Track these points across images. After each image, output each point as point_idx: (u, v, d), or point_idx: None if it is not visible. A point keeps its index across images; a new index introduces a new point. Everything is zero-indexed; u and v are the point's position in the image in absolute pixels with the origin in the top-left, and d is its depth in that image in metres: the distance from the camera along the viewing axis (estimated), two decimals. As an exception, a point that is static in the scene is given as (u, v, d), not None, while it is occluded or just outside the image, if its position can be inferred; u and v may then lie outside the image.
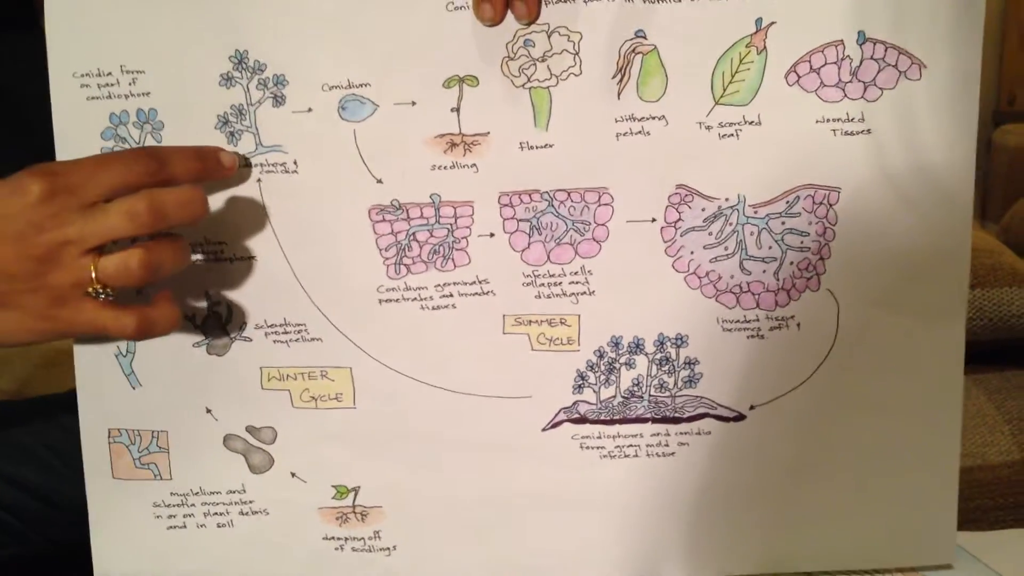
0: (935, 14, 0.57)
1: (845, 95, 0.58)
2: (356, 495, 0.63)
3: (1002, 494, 0.81)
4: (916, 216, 0.59)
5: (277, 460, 0.63)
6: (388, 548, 0.64)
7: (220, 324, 0.61)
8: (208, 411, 0.62)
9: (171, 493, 0.63)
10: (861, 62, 0.57)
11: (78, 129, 0.59)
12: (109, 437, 0.63)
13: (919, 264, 0.60)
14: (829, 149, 0.58)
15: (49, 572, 0.77)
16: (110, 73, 0.58)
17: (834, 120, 0.58)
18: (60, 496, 0.75)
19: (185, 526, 0.63)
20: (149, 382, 0.62)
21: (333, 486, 0.63)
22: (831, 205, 0.59)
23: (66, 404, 0.77)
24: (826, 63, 0.57)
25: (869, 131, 0.58)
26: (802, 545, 0.63)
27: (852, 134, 0.58)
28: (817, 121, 0.58)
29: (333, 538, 0.64)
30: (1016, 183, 1.73)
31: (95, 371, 0.62)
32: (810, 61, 0.57)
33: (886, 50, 0.57)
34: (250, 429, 0.62)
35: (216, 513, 0.63)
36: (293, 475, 0.63)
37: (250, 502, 0.63)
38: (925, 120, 0.58)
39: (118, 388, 0.62)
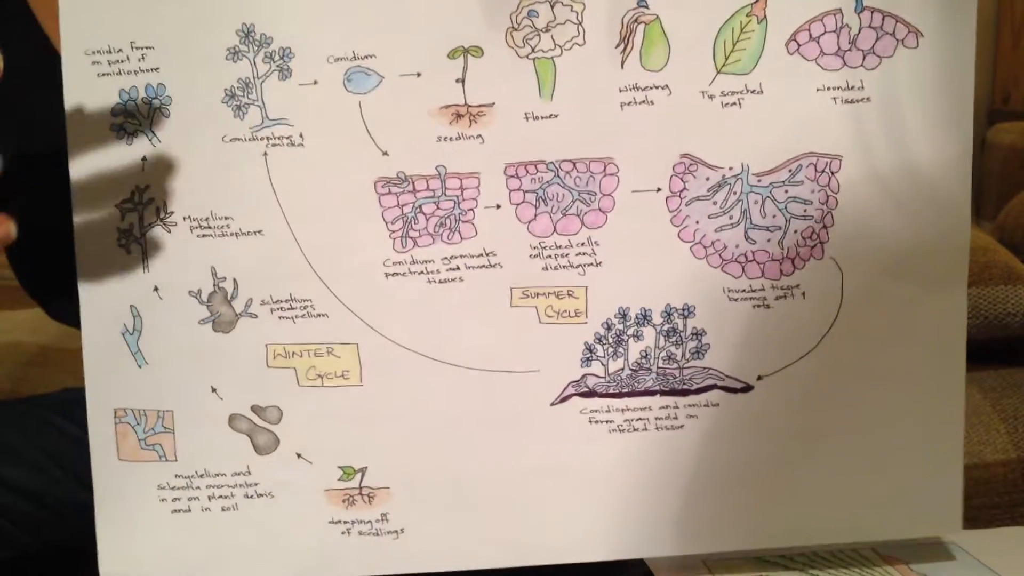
0: None
1: (845, 63, 0.57)
2: (363, 476, 0.60)
3: (998, 492, 0.79)
4: (916, 183, 0.58)
5: (282, 440, 0.60)
6: (396, 531, 0.60)
7: (226, 299, 0.58)
8: (213, 390, 0.59)
9: (176, 475, 0.60)
10: (860, 30, 0.56)
11: (90, 106, 0.57)
12: (115, 417, 0.60)
13: (920, 231, 0.58)
14: (830, 117, 0.57)
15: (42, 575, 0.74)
16: (120, 50, 0.57)
17: (834, 88, 0.57)
18: (53, 499, 0.72)
19: (190, 510, 0.60)
20: (155, 360, 0.59)
21: (339, 467, 0.60)
22: (833, 173, 0.58)
23: (59, 405, 0.75)
24: (825, 31, 0.56)
25: (869, 99, 0.57)
26: (810, 517, 0.61)
27: (852, 102, 0.57)
28: (818, 89, 0.57)
29: (340, 521, 0.60)
30: (1010, 181, 1.70)
31: (102, 350, 0.59)
32: (809, 30, 0.56)
33: (883, 18, 0.56)
34: (255, 408, 0.59)
35: (221, 496, 0.60)
36: (299, 456, 0.60)
37: (255, 484, 0.60)
38: (924, 87, 0.57)
39: (124, 367, 0.59)
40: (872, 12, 0.56)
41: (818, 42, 0.56)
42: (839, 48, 0.56)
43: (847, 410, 0.60)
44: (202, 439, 0.60)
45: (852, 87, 0.57)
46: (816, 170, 0.58)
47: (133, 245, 0.58)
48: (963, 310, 0.60)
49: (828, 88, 0.57)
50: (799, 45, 0.56)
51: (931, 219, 0.58)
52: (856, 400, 0.60)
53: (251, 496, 0.60)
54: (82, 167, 0.58)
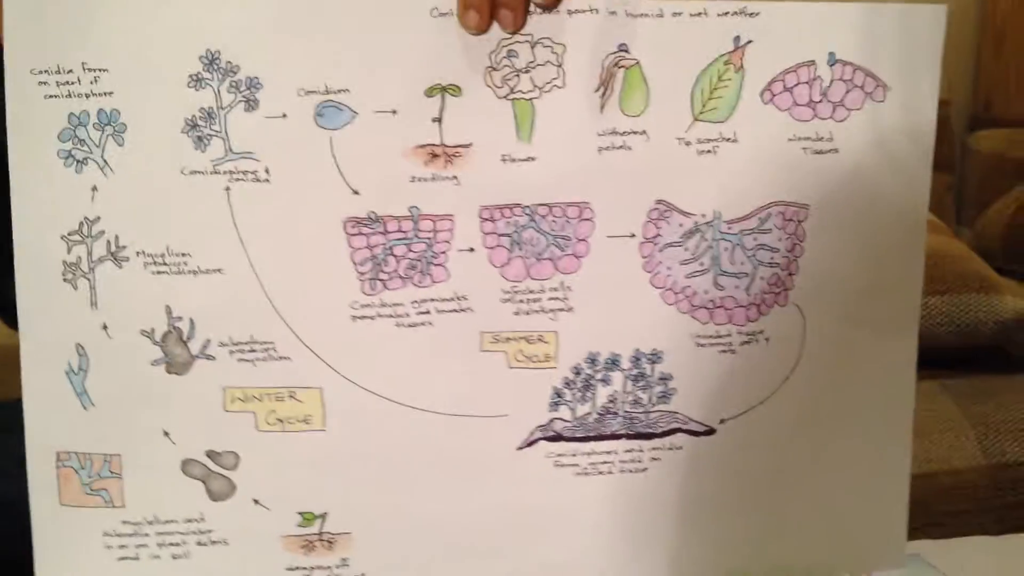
0: (898, 38, 0.56)
1: (815, 115, 0.56)
2: (324, 522, 0.56)
3: (967, 499, 0.80)
4: (875, 234, 0.58)
5: (239, 487, 0.56)
6: (356, 576, 0.57)
7: (181, 340, 0.54)
8: (166, 434, 0.55)
9: (123, 522, 0.55)
10: (831, 83, 0.55)
11: (34, 129, 0.52)
12: (57, 460, 0.54)
13: (877, 280, 0.58)
14: (800, 167, 0.56)
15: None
16: (71, 71, 0.51)
17: (805, 139, 0.56)
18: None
19: (138, 557, 0.56)
20: (102, 402, 0.54)
21: (299, 513, 0.56)
22: (800, 222, 0.57)
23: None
24: (799, 83, 0.55)
25: (837, 150, 0.56)
26: (765, 557, 0.60)
27: (821, 152, 0.56)
28: (789, 139, 0.56)
29: (297, 568, 0.57)
30: (990, 188, 1.72)
31: (44, 390, 0.53)
32: (784, 80, 0.55)
33: (854, 71, 0.55)
34: (210, 454, 0.55)
35: (172, 544, 0.56)
36: (256, 502, 0.56)
37: (209, 531, 0.56)
38: (887, 141, 0.57)
39: (68, 408, 0.54)
40: (844, 65, 0.55)
41: (791, 93, 0.55)
42: (811, 100, 0.55)
43: (803, 454, 0.59)
44: (152, 485, 0.55)
45: (821, 138, 0.56)
46: (784, 219, 0.56)
47: (80, 280, 0.53)
48: (913, 356, 0.60)
49: (799, 138, 0.56)
50: (773, 95, 0.55)
51: (887, 267, 0.58)
52: (812, 444, 0.59)
53: (204, 543, 0.56)
54: (24, 195, 0.52)
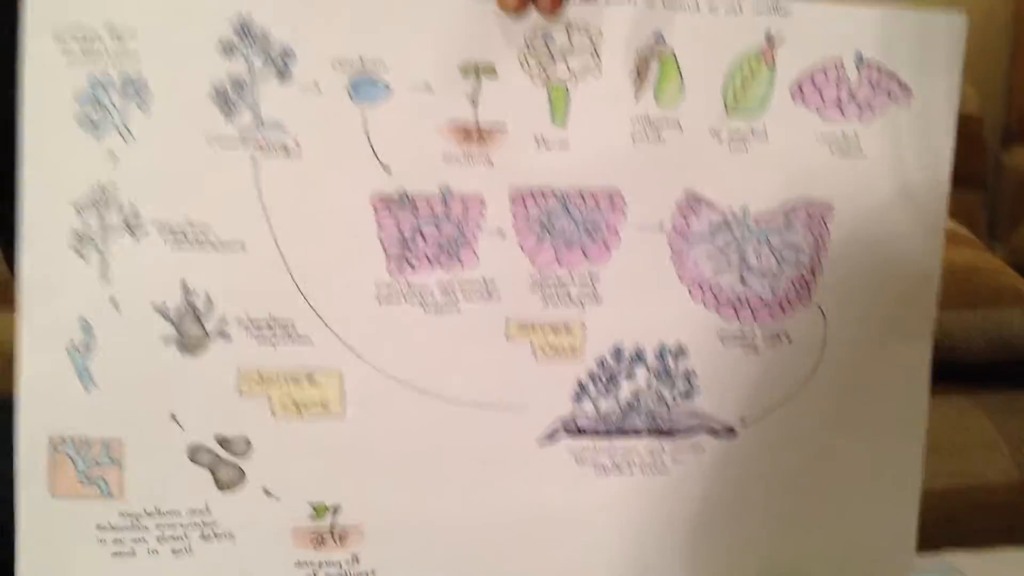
0: (921, 44, 0.56)
1: (842, 115, 0.56)
2: (335, 514, 0.53)
3: (1000, 515, 0.79)
4: (895, 237, 0.58)
5: (249, 475, 0.52)
6: (366, 573, 0.54)
7: (196, 317, 0.51)
8: (173, 417, 0.51)
9: (120, 514, 0.51)
10: (858, 84, 0.56)
11: (51, 90, 0.49)
12: (51, 446, 0.50)
13: (895, 284, 0.58)
14: (826, 166, 0.56)
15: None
16: (94, 31, 0.49)
17: (832, 139, 0.56)
18: None
19: (134, 553, 0.51)
20: (106, 383, 0.50)
21: (311, 504, 0.53)
22: (825, 222, 0.57)
23: None
24: (827, 82, 0.55)
25: (862, 151, 0.56)
26: (783, 564, 0.59)
27: (847, 153, 0.56)
28: (816, 139, 0.56)
29: (307, 563, 0.53)
30: (1023, 204, 1.70)
31: (42, 369, 0.50)
32: (813, 79, 0.55)
33: (880, 74, 0.56)
34: (220, 439, 0.52)
35: (172, 537, 0.52)
36: (266, 492, 0.52)
37: (213, 524, 0.52)
38: (908, 146, 0.57)
39: (67, 389, 0.50)
40: (871, 68, 0.56)
41: (820, 92, 0.55)
42: (839, 99, 0.56)
43: (821, 457, 0.59)
44: (155, 473, 0.51)
45: (847, 138, 0.56)
46: (809, 217, 0.56)
47: (90, 251, 0.50)
48: (927, 361, 0.60)
49: (826, 138, 0.56)
50: (803, 94, 0.55)
51: (905, 271, 0.58)
52: (829, 448, 0.59)
53: (207, 537, 0.52)
54: (35, 158, 0.49)
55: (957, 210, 1.52)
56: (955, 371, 0.88)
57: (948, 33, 0.56)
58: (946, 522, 0.66)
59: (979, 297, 0.67)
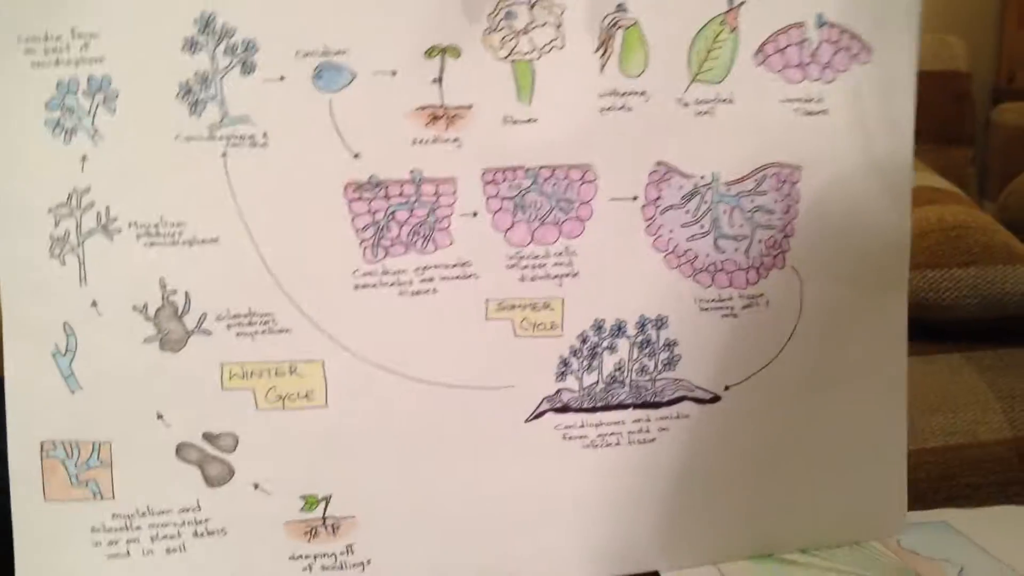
0: (879, 1, 0.57)
1: (806, 76, 0.56)
2: (327, 505, 0.53)
3: (992, 471, 0.79)
4: (864, 196, 0.58)
5: (238, 470, 0.52)
6: (362, 563, 0.54)
7: (176, 315, 0.51)
8: (159, 416, 0.51)
9: (113, 515, 0.51)
10: (819, 44, 0.56)
11: (19, 99, 0.49)
12: (42, 451, 0.51)
13: (866, 240, 0.58)
14: (792, 128, 0.56)
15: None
16: (59, 37, 0.49)
17: (796, 100, 0.56)
18: None
19: (129, 554, 0.52)
20: (91, 385, 0.50)
21: (301, 496, 0.53)
22: (794, 183, 0.57)
23: None
24: (790, 44, 0.55)
25: (826, 111, 0.57)
26: (774, 526, 0.59)
27: (812, 114, 0.56)
28: (782, 101, 0.56)
29: (301, 556, 0.53)
30: (1014, 161, 1.66)
31: (28, 375, 0.50)
32: (776, 41, 0.55)
33: (840, 33, 0.56)
34: (207, 436, 0.52)
35: (166, 536, 0.52)
36: (256, 486, 0.53)
37: (205, 521, 0.52)
38: (872, 102, 0.57)
39: (54, 393, 0.50)
40: (831, 27, 0.56)
41: (783, 54, 0.56)
42: (801, 61, 0.56)
43: (808, 419, 0.59)
44: (145, 473, 0.52)
45: (812, 99, 0.56)
46: (779, 180, 0.56)
47: (68, 255, 0.50)
48: (903, 316, 0.60)
49: (791, 100, 0.56)
50: (766, 56, 0.55)
51: (876, 229, 0.58)
52: (813, 408, 0.59)
53: (201, 534, 0.52)
54: (8, 167, 0.49)
55: (947, 167, 1.50)
56: (946, 329, 0.87)
57: None
58: (940, 479, 0.65)
59: (971, 255, 0.66)
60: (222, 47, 0.50)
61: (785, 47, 0.55)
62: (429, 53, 0.51)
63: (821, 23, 0.56)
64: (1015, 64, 1.90)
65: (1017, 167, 1.58)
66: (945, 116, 1.64)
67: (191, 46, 0.50)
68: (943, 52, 1.67)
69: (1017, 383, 0.85)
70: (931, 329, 0.92)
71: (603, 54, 0.53)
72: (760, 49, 0.55)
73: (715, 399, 0.57)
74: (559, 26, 0.53)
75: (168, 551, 0.52)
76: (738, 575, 0.58)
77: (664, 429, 0.57)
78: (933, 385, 0.80)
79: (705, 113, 0.55)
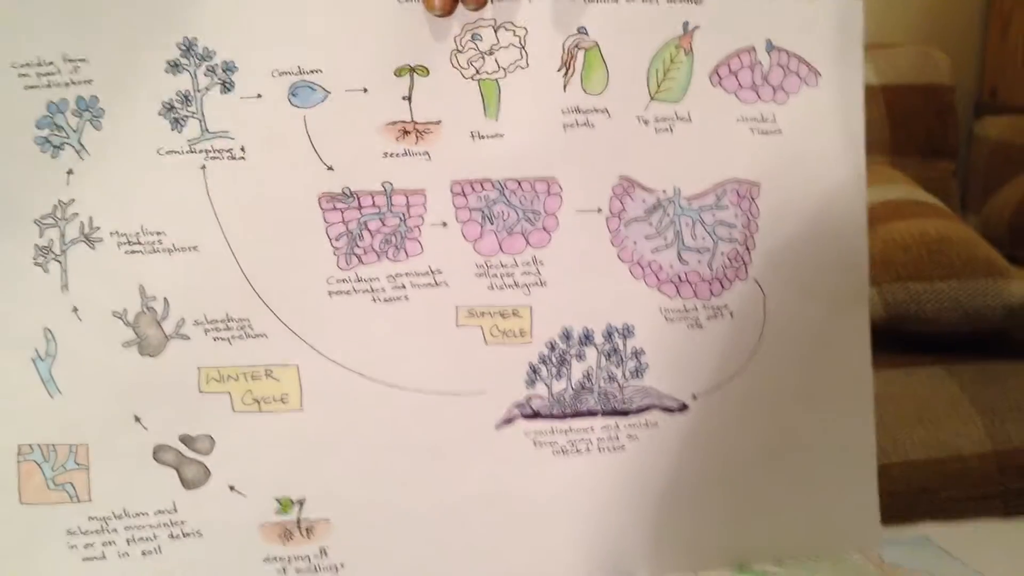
0: (825, 27, 0.60)
1: (759, 97, 0.59)
2: (301, 508, 0.54)
3: (974, 485, 0.79)
4: (820, 210, 0.60)
5: (214, 472, 0.53)
6: (335, 567, 0.54)
7: (154, 321, 0.52)
8: (137, 419, 0.52)
9: (89, 518, 0.52)
10: (770, 68, 0.59)
11: (11, 118, 0.51)
12: (19, 455, 0.52)
13: (825, 255, 0.60)
14: (749, 146, 0.59)
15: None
16: (51, 63, 0.52)
17: (751, 119, 0.59)
18: None
19: (104, 556, 0.52)
20: (70, 389, 0.52)
21: (276, 499, 0.54)
22: (753, 198, 0.59)
23: None
24: (742, 67, 0.58)
25: (780, 131, 0.59)
26: (745, 537, 0.59)
27: (766, 133, 0.59)
28: (737, 120, 0.59)
29: (275, 559, 0.54)
30: (996, 175, 1.66)
31: (8, 379, 0.51)
32: (728, 64, 0.58)
33: (789, 58, 0.59)
34: (184, 438, 0.53)
35: (142, 539, 0.53)
36: (232, 488, 0.53)
37: (181, 523, 0.53)
38: (822, 123, 0.60)
39: (33, 397, 0.51)
40: (780, 52, 0.59)
41: (736, 76, 0.58)
42: (753, 83, 0.59)
43: (773, 430, 0.60)
44: (122, 475, 0.52)
45: (765, 119, 0.59)
46: (738, 195, 0.59)
47: (51, 263, 0.52)
48: (866, 331, 0.61)
49: (746, 119, 0.59)
50: (720, 78, 0.58)
51: (834, 243, 0.60)
52: (781, 420, 0.60)
53: (176, 536, 0.53)
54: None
55: (930, 180, 1.51)
56: (928, 341, 0.88)
57: (848, 17, 0.60)
58: (921, 492, 0.66)
59: (952, 268, 0.67)
60: (203, 68, 0.53)
61: (738, 70, 0.58)
62: (399, 72, 0.54)
63: (770, 48, 0.59)
64: (998, 78, 1.88)
65: (998, 181, 1.61)
66: (928, 129, 1.63)
67: (174, 68, 0.53)
68: (927, 65, 1.68)
69: (998, 397, 0.86)
70: (913, 341, 0.93)
71: (565, 73, 0.56)
72: (715, 71, 0.58)
73: (683, 408, 0.58)
74: (523, 47, 0.55)
75: (144, 553, 0.53)
76: (718, 585, 0.58)
77: (633, 437, 0.58)
78: (914, 397, 0.81)
79: (665, 130, 0.57)
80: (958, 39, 1.81)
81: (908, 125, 1.58)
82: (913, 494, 0.71)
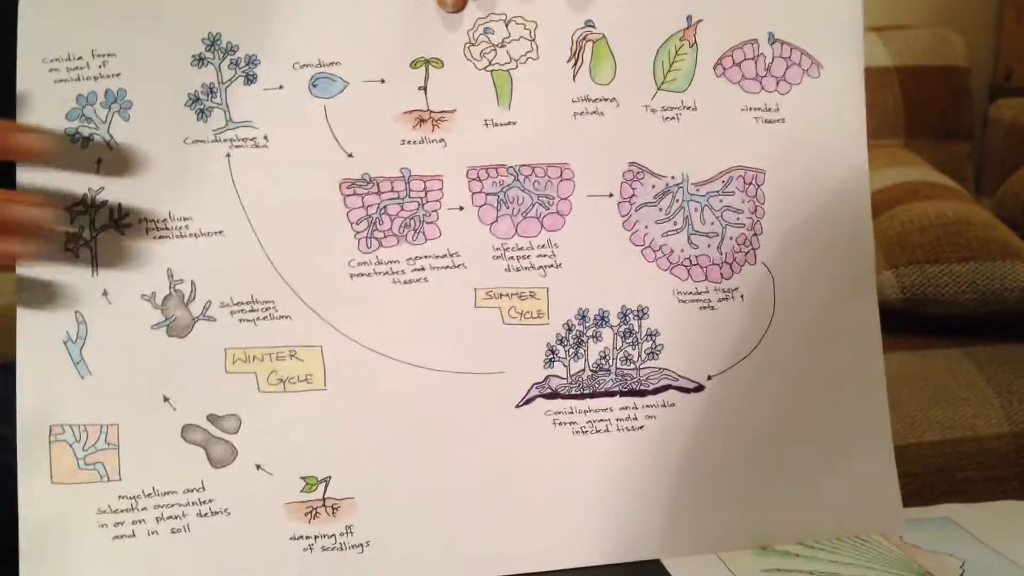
0: (825, 19, 0.62)
1: (762, 87, 0.61)
2: (327, 486, 0.55)
3: (991, 466, 0.78)
4: (825, 196, 0.61)
5: (241, 451, 0.54)
6: (361, 545, 0.55)
7: (182, 302, 0.54)
8: (166, 399, 0.54)
9: (119, 496, 0.53)
10: (772, 59, 0.61)
11: (43, 110, 0.53)
12: (51, 435, 0.53)
13: (831, 240, 0.61)
14: (753, 134, 0.60)
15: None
16: (80, 57, 0.54)
17: (755, 109, 0.60)
18: None
19: (134, 535, 0.53)
20: (101, 370, 0.53)
21: (302, 477, 0.55)
22: (759, 185, 0.60)
23: None
24: (745, 59, 0.60)
25: (783, 120, 0.61)
26: (765, 518, 0.59)
27: (771, 122, 0.61)
28: (742, 109, 0.60)
29: (301, 537, 0.54)
30: (1011, 157, 1.64)
31: (40, 362, 0.52)
32: (732, 56, 0.60)
33: (791, 50, 0.61)
34: (212, 418, 0.54)
35: (171, 517, 0.53)
36: (258, 467, 0.54)
37: (209, 501, 0.54)
38: (825, 113, 0.61)
39: (65, 378, 0.53)
40: (782, 44, 0.61)
41: (739, 67, 0.60)
42: (757, 74, 0.60)
43: (787, 411, 0.60)
44: (151, 454, 0.53)
45: (769, 109, 0.61)
46: (745, 182, 0.60)
47: (82, 249, 0.53)
48: (875, 314, 0.62)
49: (750, 108, 0.60)
50: (724, 69, 0.60)
51: (838, 228, 0.61)
52: (794, 402, 0.60)
53: (204, 514, 0.54)
54: (32, 171, 0.53)
55: (945, 162, 1.51)
56: (945, 324, 0.88)
57: (848, 8, 0.62)
58: (939, 473, 0.66)
59: (969, 250, 0.67)
60: (227, 62, 0.55)
61: (741, 61, 0.60)
62: (414, 64, 0.56)
63: (773, 40, 0.61)
64: (1013, 60, 1.86)
65: (1014, 163, 1.59)
66: (943, 111, 1.62)
67: (199, 61, 0.55)
68: (942, 47, 1.66)
69: (1015, 378, 0.85)
70: (930, 324, 0.92)
71: (575, 64, 0.58)
72: (719, 62, 0.60)
73: (699, 388, 0.59)
74: (533, 39, 0.58)
75: (173, 531, 0.53)
76: (741, 566, 0.58)
77: (651, 417, 0.59)
78: (932, 380, 0.81)
79: (672, 119, 0.59)
80: (974, 21, 1.80)
81: (923, 107, 1.57)
82: (931, 475, 0.70)
